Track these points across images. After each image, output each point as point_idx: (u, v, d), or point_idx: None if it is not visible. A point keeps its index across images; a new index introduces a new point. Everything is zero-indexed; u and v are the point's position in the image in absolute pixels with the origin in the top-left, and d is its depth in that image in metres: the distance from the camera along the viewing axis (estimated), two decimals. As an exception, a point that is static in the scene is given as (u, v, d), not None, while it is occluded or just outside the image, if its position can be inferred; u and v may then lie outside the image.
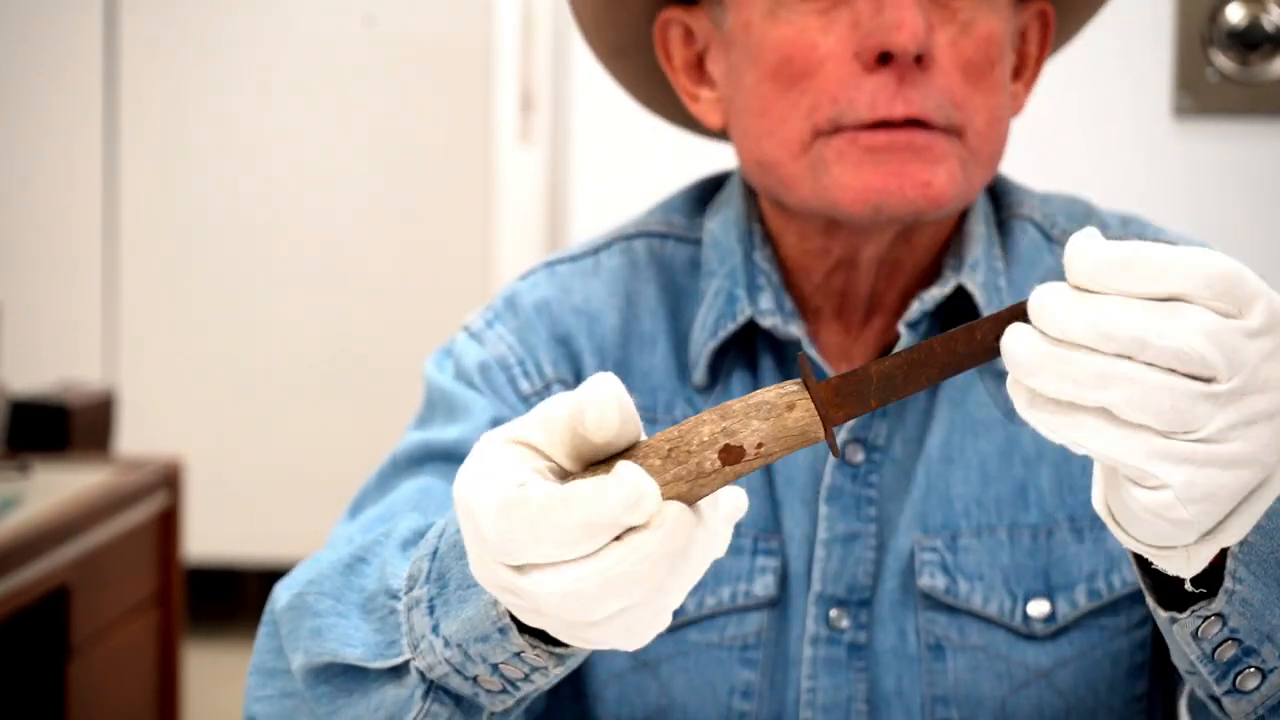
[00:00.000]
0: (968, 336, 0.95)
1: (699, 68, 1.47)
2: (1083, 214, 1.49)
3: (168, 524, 3.50)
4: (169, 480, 3.49)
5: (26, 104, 4.71)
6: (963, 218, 1.45)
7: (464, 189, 4.50)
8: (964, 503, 1.40)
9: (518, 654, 1.09)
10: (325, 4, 4.63)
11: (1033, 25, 1.47)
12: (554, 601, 0.92)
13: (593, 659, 1.42)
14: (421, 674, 1.15)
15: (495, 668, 1.11)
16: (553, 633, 0.98)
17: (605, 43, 1.54)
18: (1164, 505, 0.91)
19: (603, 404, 0.93)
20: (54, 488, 3.17)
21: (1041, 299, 0.90)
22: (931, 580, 1.38)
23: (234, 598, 4.82)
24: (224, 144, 4.71)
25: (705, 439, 0.95)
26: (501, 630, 1.08)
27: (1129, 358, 0.88)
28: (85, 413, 3.58)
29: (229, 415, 4.77)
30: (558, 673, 1.10)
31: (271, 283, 4.74)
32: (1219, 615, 1.04)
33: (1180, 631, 1.05)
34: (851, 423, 1.39)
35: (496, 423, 1.41)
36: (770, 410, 0.95)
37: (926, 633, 1.39)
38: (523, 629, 1.08)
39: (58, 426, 3.51)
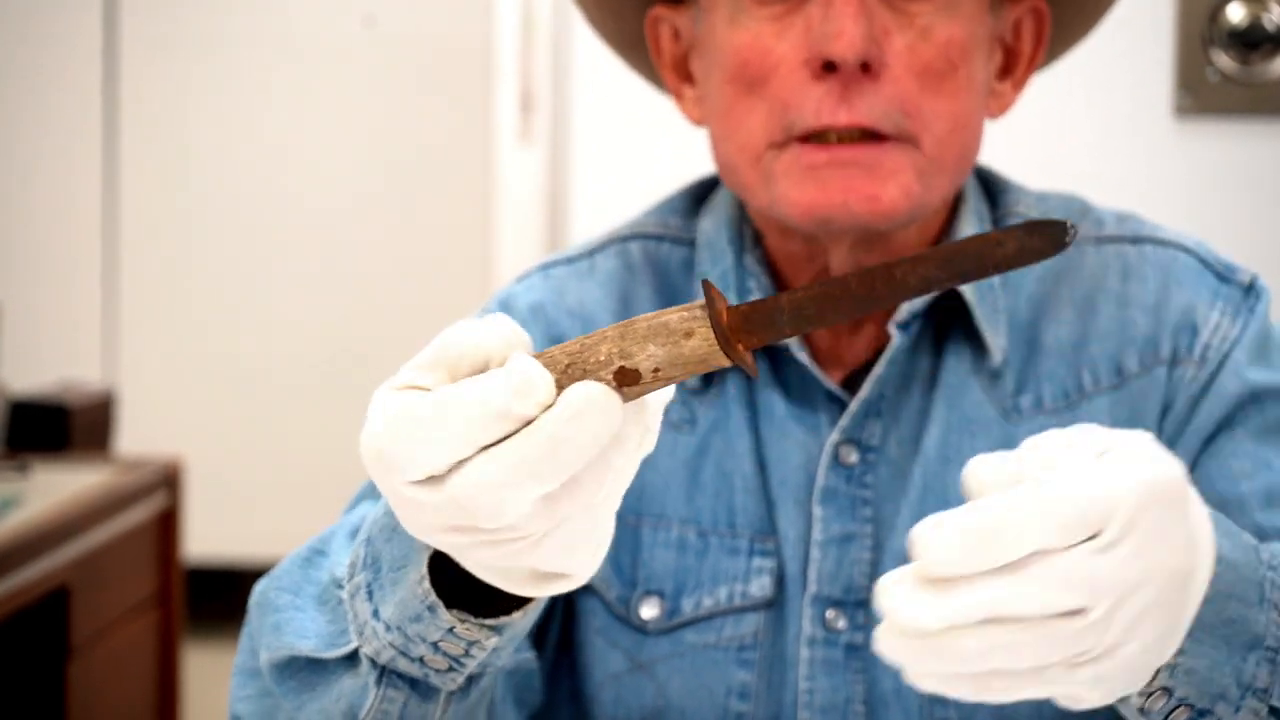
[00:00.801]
0: (886, 274, 0.94)
1: (684, 65, 1.48)
2: (1079, 212, 1.49)
3: (168, 524, 3.50)
4: (169, 480, 3.49)
5: (26, 104, 4.71)
6: (952, 216, 1.45)
7: (464, 189, 4.50)
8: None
9: (450, 630, 1.10)
10: (325, 4, 4.63)
11: (1026, 21, 1.46)
12: (469, 503, 0.91)
13: (588, 661, 1.42)
14: (372, 660, 1.15)
15: (435, 646, 1.11)
16: (501, 581, 0.99)
17: (610, 36, 1.55)
18: (1083, 700, 0.95)
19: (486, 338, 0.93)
20: (54, 488, 3.17)
21: (889, 599, 0.91)
22: (928, 580, 1.38)
23: (234, 598, 4.81)
24: (224, 144, 4.71)
25: (602, 358, 0.94)
26: (430, 608, 1.09)
27: (988, 620, 0.89)
28: (85, 413, 3.58)
29: (229, 415, 4.77)
30: (495, 644, 1.11)
31: (271, 283, 4.74)
32: (1164, 689, 1.04)
33: (1128, 710, 1.05)
34: (844, 423, 1.39)
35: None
36: (669, 336, 0.93)
37: (924, 633, 1.39)
38: (450, 604, 1.09)
39: (58, 426, 3.51)
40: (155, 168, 4.73)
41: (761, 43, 1.36)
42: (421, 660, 1.13)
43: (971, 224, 1.45)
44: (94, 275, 4.76)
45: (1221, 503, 1.34)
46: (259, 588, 1.29)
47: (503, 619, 1.09)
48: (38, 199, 4.74)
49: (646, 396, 0.95)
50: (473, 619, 1.09)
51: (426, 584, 1.08)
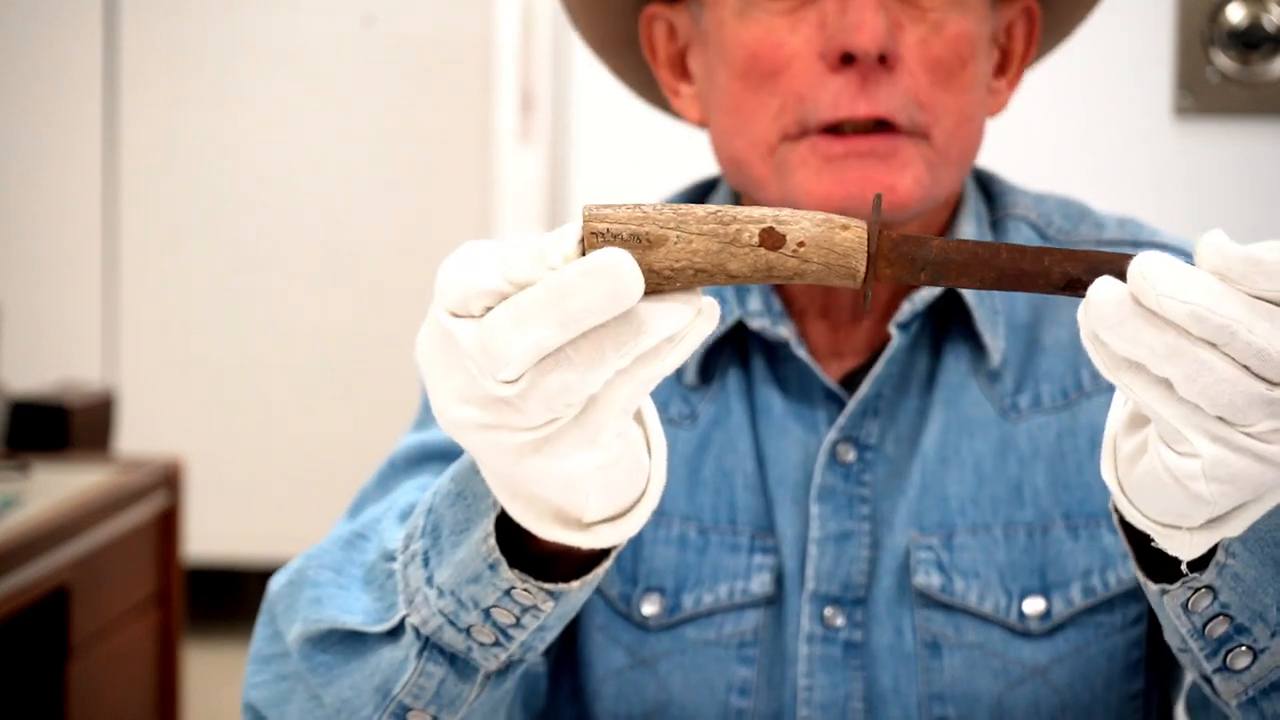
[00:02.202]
0: (1036, 257, 0.95)
1: (681, 63, 1.48)
2: (1078, 214, 1.49)
3: (168, 524, 3.50)
4: (169, 480, 3.50)
5: (27, 105, 4.72)
6: (953, 217, 1.46)
7: (464, 189, 4.50)
8: (960, 501, 1.40)
9: (508, 592, 1.10)
10: (325, 5, 4.63)
11: (1019, 22, 1.47)
12: (486, 339, 0.93)
13: (590, 657, 1.43)
14: (416, 631, 1.16)
15: (487, 613, 1.11)
16: (531, 518, 1.01)
17: (594, 35, 1.55)
18: (1189, 474, 0.93)
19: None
20: (54, 488, 3.17)
21: (1145, 266, 0.90)
22: (927, 578, 1.38)
23: (234, 598, 4.82)
24: (224, 144, 4.71)
25: (755, 216, 0.95)
26: (492, 566, 1.09)
27: (1212, 344, 0.90)
28: (85, 413, 3.58)
29: (229, 415, 4.77)
30: (548, 614, 1.11)
31: (271, 283, 4.74)
32: (1209, 588, 1.04)
33: (1170, 603, 1.06)
34: (842, 422, 1.40)
35: (495, 422, 1.41)
36: (826, 221, 0.95)
37: (923, 630, 1.39)
38: (513, 563, 1.09)
39: (57, 426, 3.51)
40: (155, 169, 4.73)
41: (774, 36, 1.36)
42: (469, 631, 1.13)
43: (970, 223, 1.46)
44: (94, 275, 4.76)
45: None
46: (288, 570, 1.29)
47: (560, 585, 1.10)
48: (38, 199, 4.75)
49: (699, 295, 0.96)
50: (533, 581, 1.09)
51: (492, 540, 1.09)
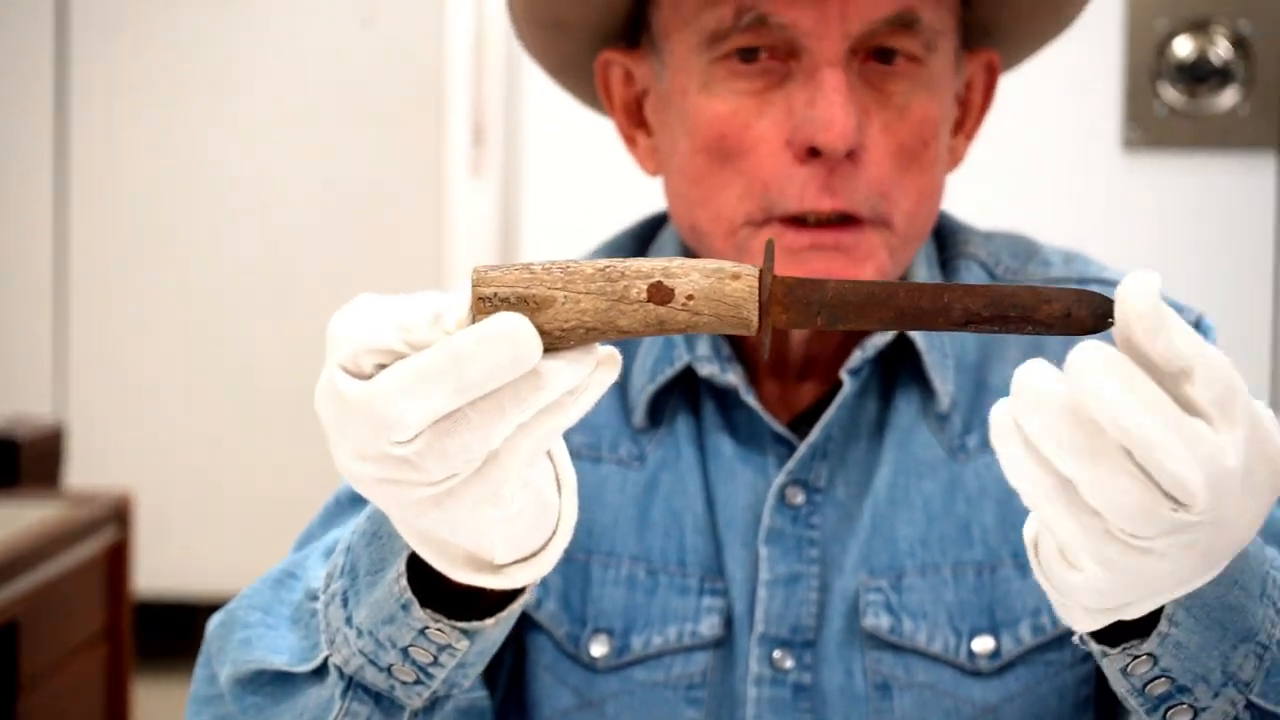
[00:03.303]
0: (935, 295, 0.94)
1: (637, 110, 1.47)
2: (1026, 251, 1.50)
3: (118, 558, 3.48)
4: (119, 514, 3.48)
5: (-24, 136, 4.70)
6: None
7: (417, 222, 4.49)
8: (909, 542, 1.40)
9: (422, 631, 1.10)
10: (276, 38, 4.62)
11: (979, 74, 1.47)
12: (377, 402, 0.92)
13: (537, 698, 1.42)
14: (340, 670, 1.16)
15: (405, 653, 1.11)
16: (439, 558, 1.00)
17: (550, 67, 1.54)
18: (1072, 586, 0.94)
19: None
20: (3, 522, 3.15)
21: (1081, 357, 0.89)
22: (876, 620, 1.38)
23: (184, 632, 4.79)
24: (175, 178, 4.70)
25: (644, 270, 0.94)
26: (404, 606, 1.09)
27: (1128, 451, 0.89)
28: (34, 446, 3.56)
29: (179, 449, 4.75)
30: (464, 651, 1.11)
31: (222, 316, 4.73)
32: (1150, 655, 1.04)
33: (1110, 666, 1.06)
34: (791, 465, 1.40)
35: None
36: (717, 271, 0.94)
37: (873, 672, 1.39)
38: (432, 600, 1.09)
39: (7, 460, 3.49)
40: (105, 201, 4.71)
41: (740, 117, 1.35)
42: (389, 670, 1.13)
43: (921, 265, 1.46)
44: (45, 308, 4.74)
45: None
46: (223, 611, 1.29)
47: (474, 624, 1.10)
48: (-13, 231, 4.72)
49: (599, 349, 0.96)
50: (445, 621, 1.09)
51: (403, 581, 1.08)
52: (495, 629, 1.11)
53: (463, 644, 1.11)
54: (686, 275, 0.94)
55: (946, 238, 1.51)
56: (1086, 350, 0.90)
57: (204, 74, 4.67)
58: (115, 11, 4.67)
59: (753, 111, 1.35)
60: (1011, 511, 1.39)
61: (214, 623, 1.29)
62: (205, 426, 4.75)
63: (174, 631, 4.73)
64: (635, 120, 1.47)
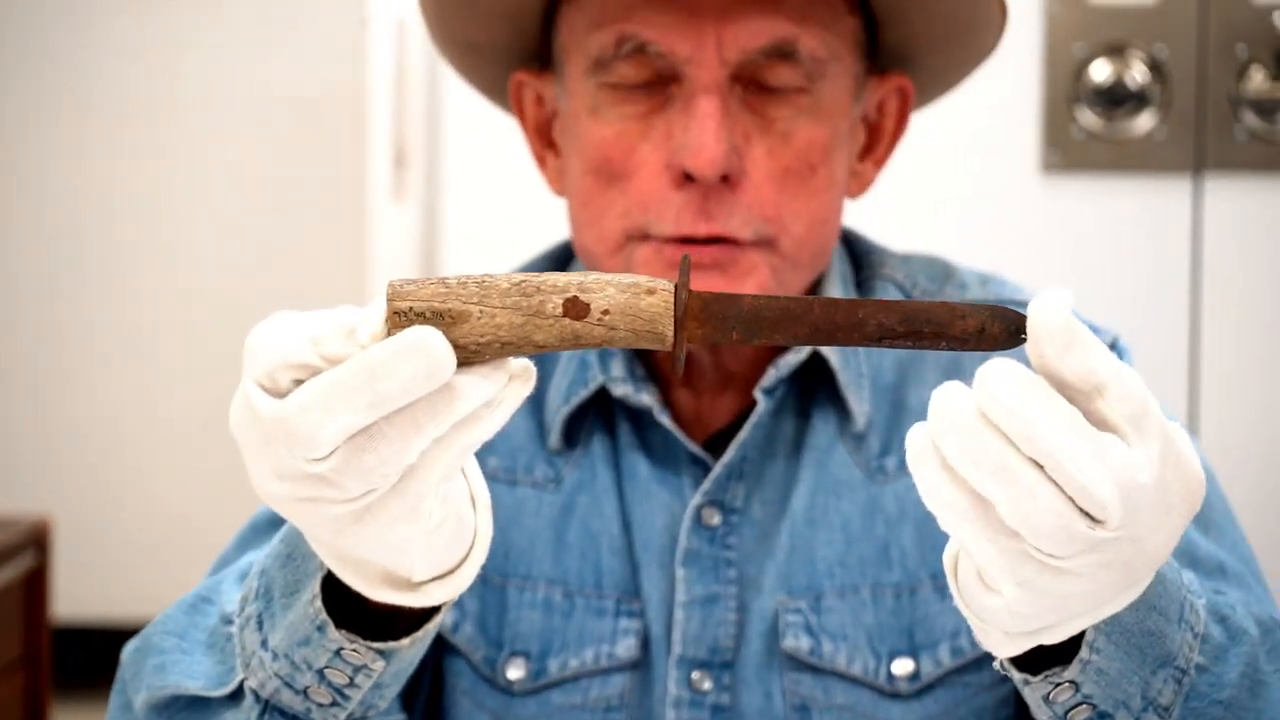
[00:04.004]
0: (849, 310, 0.95)
1: (548, 131, 1.48)
2: (942, 273, 1.50)
3: (36, 584, 3.45)
4: (37, 539, 3.45)
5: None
6: (817, 284, 1.46)
7: (339, 246, 4.48)
8: (827, 563, 1.40)
9: (337, 652, 1.10)
10: (197, 60, 4.60)
11: (891, 99, 1.47)
12: (292, 420, 0.92)
13: (455, 714, 1.42)
14: (256, 694, 1.16)
15: (321, 674, 1.11)
16: (355, 578, 1.00)
17: (479, 87, 1.55)
18: (991, 609, 0.94)
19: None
20: (-81, 549, 3.12)
21: (993, 373, 0.90)
22: (795, 641, 1.38)
23: (103, 659, 4.76)
24: (94, 198, 4.67)
25: (559, 285, 0.94)
26: (320, 628, 1.09)
27: (1040, 465, 0.89)
28: (-48, 472, 3.53)
29: (98, 474, 4.72)
30: (380, 672, 1.11)
31: (141, 339, 4.70)
32: (1072, 682, 1.05)
33: (1031, 694, 1.06)
34: (707, 486, 1.40)
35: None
36: (632, 286, 0.94)
37: (792, 694, 1.39)
38: (340, 624, 1.09)
39: (-77, 486, 3.46)
40: (25, 223, 4.68)
41: (625, 141, 1.36)
42: (305, 692, 1.13)
43: (837, 286, 1.46)
44: (-39, 332, 4.70)
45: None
46: (138, 637, 1.28)
47: (390, 644, 1.09)
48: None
49: (510, 363, 0.96)
50: (361, 641, 1.09)
51: (318, 603, 1.08)
52: (411, 649, 1.11)
53: (378, 664, 1.10)
54: (602, 290, 0.94)
55: (862, 259, 1.51)
56: (995, 365, 0.90)
57: (122, 97, 4.65)
58: (30, 33, 4.64)
59: (636, 135, 1.36)
60: (931, 534, 1.40)
61: (129, 649, 1.28)
62: (124, 451, 4.72)
63: (93, 657, 4.69)
64: (546, 141, 1.48)
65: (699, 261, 1.34)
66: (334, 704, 1.13)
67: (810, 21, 1.36)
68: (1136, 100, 2.74)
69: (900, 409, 1.43)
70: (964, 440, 0.90)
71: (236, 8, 4.54)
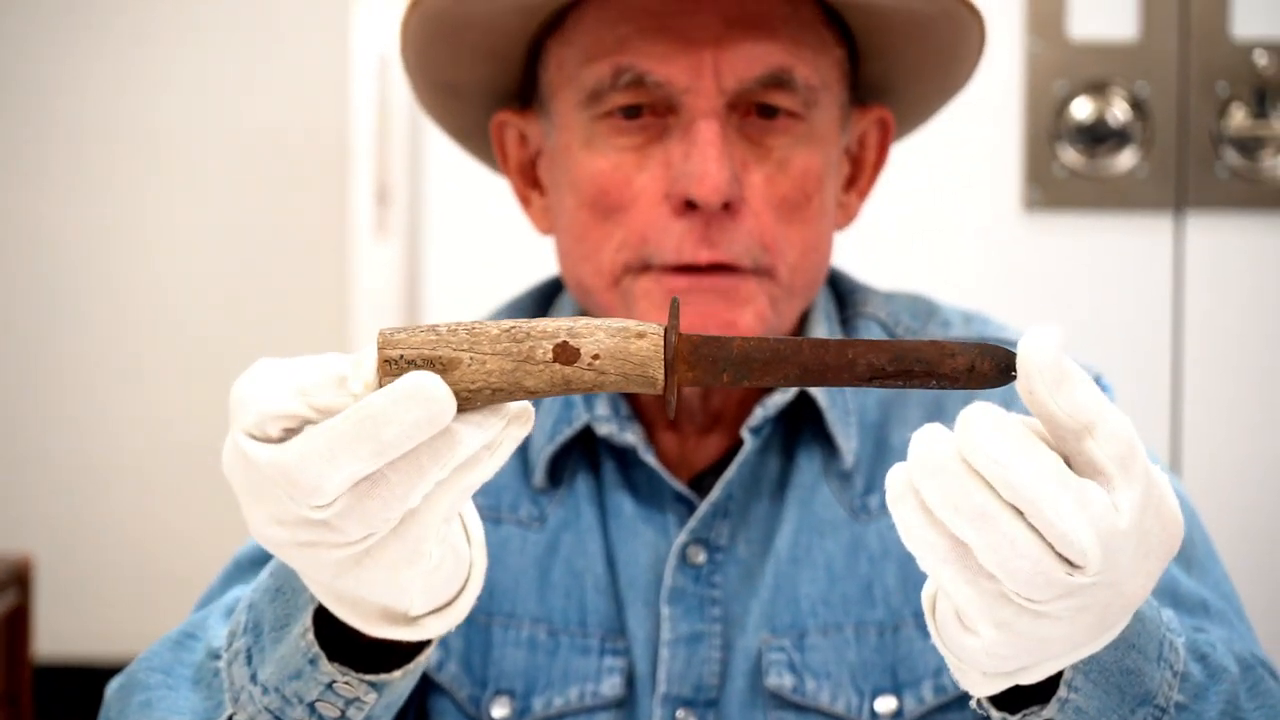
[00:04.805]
0: (840, 350, 0.95)
1: (531, 171, 1.48)
2: (926, 311, 1.50)
3: (17, 622, 3.44)
4: (19, 578, 3.44)
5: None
6: (803, 321, 1.46)
7: (321, 283, 4.48)
8: (811, 602, 1.40)
9: (329, 685, 1.09)
10: (176, 100, 4.60)
11: (872, 132, 1.48)
12: (292, 469, 0.91)
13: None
14: None
15: (312, 708, 1.11)
16: (352, 614, 0.99)
17: (452, 131, 1.55)
18: (969, 650, 0.94)
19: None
20: (-100, 587, 3.11)
21: (974, 419, 0.90)
22: (779, 679, 1.38)
23: (85, 697, 4.74)
24: (76, 235, 4.67)
25: (549, 330, 0.95)
26: (312, 661, 1.09)
27: (1019, 511, 0.89)
28: (-67, 510, 3.52)
29: (80, 512, 4.71)
30: (370, 702, 1.10)
31: (124, 377, 4.69)
32: None
33: None
34: (692, 524, 1.40)
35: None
36: (621, 330, 0.95)
37: (776, 731, 1.39)
38: (339, 654, 1.09)
39: (-96, 524, 3.46)
40: (5, 259, 4.67)
41: (621, 173, 1.36)
42: None
43: (821, 324, 1.46)
44: (-57, 369, 4.69)
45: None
46: (122, 674, 1.27)
47: (382, 676, 1.09)
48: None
49: (509, 407, 0.96)
50: (353, 674, 1.09)
51: (310, 636, 1.08)
52: (403, 681, 1.11)
53: (371, 697, 1.10)
54: (592, 335, 0.94)
55: (846, 297, 1.51)
56: (975, 410, 0.90)
57: (104, 133, 4.65)
58: (11, 70, 4.64)
59: (633, 166, 1.36)
60: (914, 572, 1.39)
61: (113, 686, 1.27)
62: (106, 488, 4.71)
63: (75, 695, 4.67)
64: (529, 180, 1.48)
65: (699, 287, 1.35)
66: None
67: (803, 49, 1.37)
68: (1118, 138, 2.75)
69: (884, 448, 1.43)
70: (944, 485, 0.90)
71: (220, 44, 4.54)
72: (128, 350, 4.69)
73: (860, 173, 1.48)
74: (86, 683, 4.77)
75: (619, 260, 1.37)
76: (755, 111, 1.37)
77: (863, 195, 1.48)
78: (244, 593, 1.24)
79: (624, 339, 0.94)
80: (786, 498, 1.42)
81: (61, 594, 4.48)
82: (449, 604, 1.03)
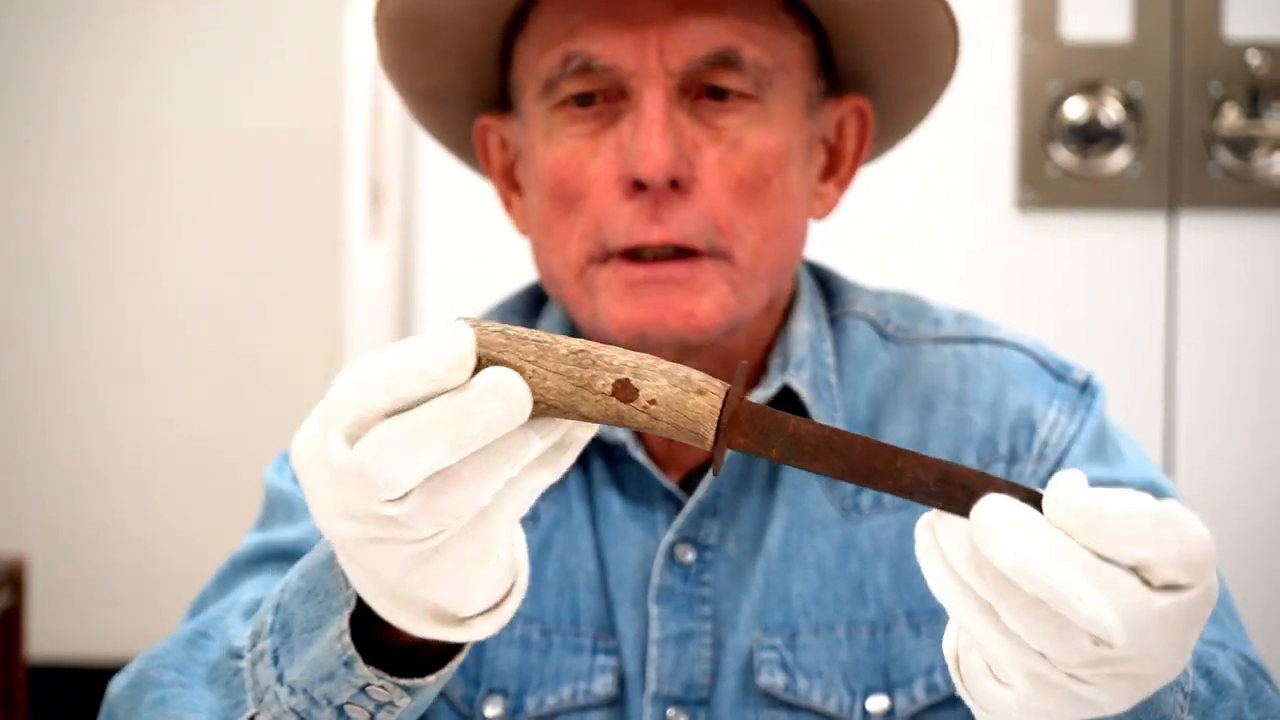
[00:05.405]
0: (890, 457, 0.94)
1: (512, 174, 1.48)
2: (917, 310, 1.50)
3: (11, 623, 3.44)
4: (12, 578, 3.44)
5: None
6: (787, 316, 1.46)
7: (314, 283, 4.48)
8: (803, 601, 1.40)
9: (363, 689, 1.09)
10: (171, 101, 4.61)
11: (850, 120, 1.47)
12: (370, 463, 0.92)
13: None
14: None
15: (340, 710, 1.10)
16: (403, 616, 0.99)
17: (445, 142, 1.55)
18: (1000, 702, 0.93)
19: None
20: (-106, 587, 3.11)
21: (986, 514, 0.89)
22: (771, 678, 1.38)
23: (79, 697, 4.74)
24: (68, 236, 4.67)
25: (615, 363, 0.95)
26: (347, 664, 1.08)
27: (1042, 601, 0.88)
28: (-73, 510, 3.52)
29: (74, 512, 4.71)
30: (403, 706, 1.10)
31: (117, 377, 4.69)
32: None
33: None
34: (680, 523, 1.40)
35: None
36: (684, 382, 0.95)
37: (767, 730, 1.39)
38: (368, 659, 1.08)
39: (-102, 524, 3.46)
40: (5, 260, 4.67)
41: (577, 160, 1.37)
42: None
43: (807, 321, 1.46)
44: (-63, 370, 4.69)
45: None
46: (127, 671, 1.27)
47: (417, 680, 1.09)
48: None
49: (576, 431, 0.96)
50: (389, 677, 1.08)
51: (347, 639, 1.08)
52: (435, 686, 1.10)
53: (404, 701, 1.10)
54: (654, 380, 0.95)
55: (835, 296, 1.51)
56: (990, 506, 0.90)
57: (105, 135, 4.65)
58: (11, 70, 4.64)
59: (588, 153, 1.37)
60: (905, 572, 1.40)
61: (119, 684, 1.27)
62: (100, 488, 4.71)
63: (72, 695, 4.68)
64: (511, 184, 1.49)
65: (655, 277, 1.35)
66: None
67: (753, 29, 1.37)
68: (1111, 138, 2.75)
69: (875, 447, 1.43)
70: (965, 551, 0.90)
71: (217, 46, 4.54)
72: (123, 350, 4.69)
73: (839, 163, 1.48)
74: (80, 683, 4.77)
75: (582, 250, 1.37)
76: (707, 94, 1.37)
77: (842, 186, 1.48)
78: (261, 593, 1.23)
79: (684, 391, 0.95)
80: (776, 495, 1.42)
81: (60, 593, 4.48)
82: (497, 605, 1.03)
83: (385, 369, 0.93)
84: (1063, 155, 2.76)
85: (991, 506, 0.89)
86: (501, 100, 1.48)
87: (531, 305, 1.53)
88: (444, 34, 1.43)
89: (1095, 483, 1.38)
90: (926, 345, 1.47)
